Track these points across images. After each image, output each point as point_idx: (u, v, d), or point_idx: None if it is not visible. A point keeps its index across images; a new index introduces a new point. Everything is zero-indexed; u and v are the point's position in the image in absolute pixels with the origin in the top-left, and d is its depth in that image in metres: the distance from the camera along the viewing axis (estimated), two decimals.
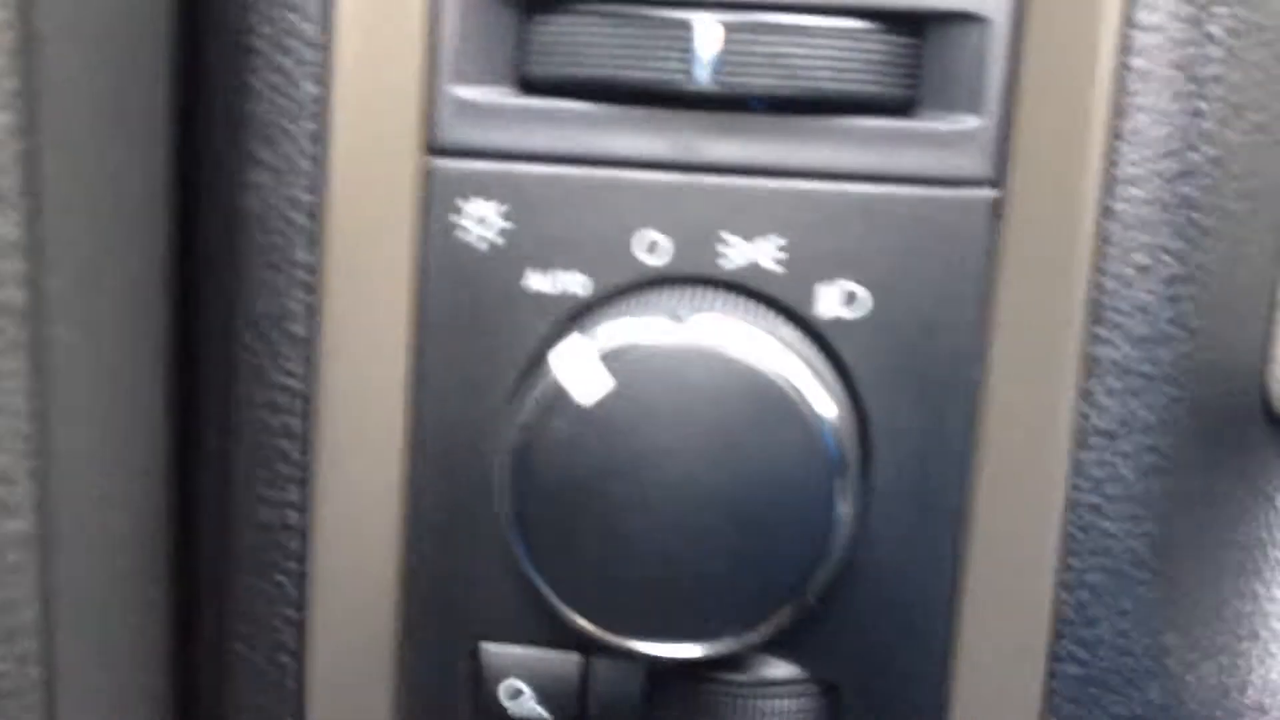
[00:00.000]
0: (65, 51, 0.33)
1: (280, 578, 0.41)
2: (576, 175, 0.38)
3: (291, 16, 0.38)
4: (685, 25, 0.37)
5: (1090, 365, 0.38)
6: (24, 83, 0.31)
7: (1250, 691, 0.42)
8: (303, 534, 0.41)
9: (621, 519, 0.36)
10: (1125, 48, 0.37)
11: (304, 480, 0.40)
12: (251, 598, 0.41)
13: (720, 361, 0.36)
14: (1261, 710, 0.41)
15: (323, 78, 0.38)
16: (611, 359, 0.36)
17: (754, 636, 0.37)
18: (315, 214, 0.39)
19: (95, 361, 0.36)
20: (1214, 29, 0.37)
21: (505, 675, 0.40)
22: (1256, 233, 0.40)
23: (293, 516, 0.40)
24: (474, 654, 0.41)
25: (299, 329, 0.39)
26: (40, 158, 0.32)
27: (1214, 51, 0.37)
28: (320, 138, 0.38)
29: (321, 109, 0.38)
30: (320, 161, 0.39)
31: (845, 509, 0.37)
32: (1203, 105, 0.37)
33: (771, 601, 0.37)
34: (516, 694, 0.40)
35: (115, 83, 0.36)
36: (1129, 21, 0.37)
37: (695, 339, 0.36)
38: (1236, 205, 0.39)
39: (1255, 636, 0.42)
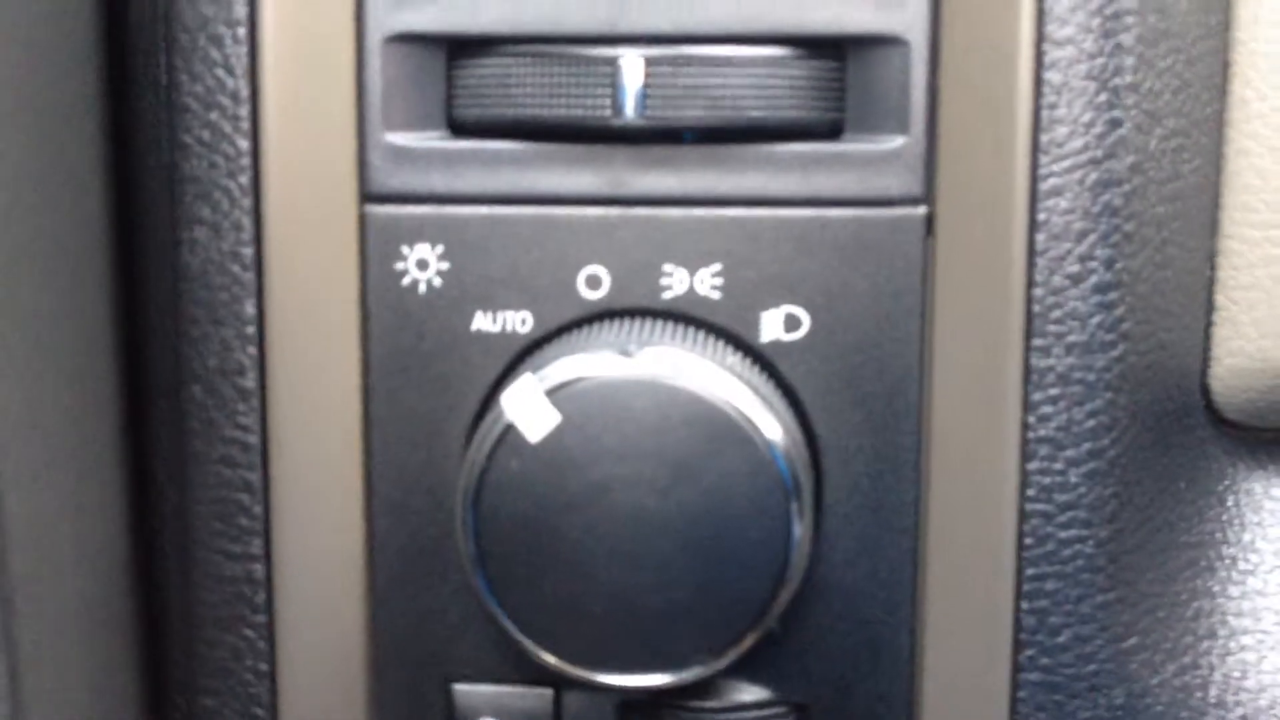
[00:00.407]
0: None
1: (248, 631, 0.41)
2: (513, 215, 0.39)
3: (219, 72, 0.39)
4: (609, 62, 0.37)
5: (1030, 375, 0.39)
6: None
7: (1213, 690, 0.42)
8: (267, 586, 0.41)
9: (581, 553, 0.37)
10: (1040, 62, 0.38)
11: (265, 533, 0.40)
12: (220, 653, 0.41)
13: (667, 392, 0.37)
14: (1224, 708, 0.42)
15: (254, 132, 0.39)
16: (558, 394, 0.36)
17: (721, 662, 0.38)
18: (257, 268, 0.39)
19: (44, 426, 0.36)
20: (1125, 39, 0.38)
21: (478, 715, 0.41)
22: (1184, 235, 0.41)
23: (256, 570, 0.41)
24: (447, 695, 0.41)
25: (249, 382, 0.40)
26: None
27: (1127, 61, 0.38)
28: (257, 192, 0.39)
29: (255, 163, 0.39)
30: (258, 215, 0.39)
31: (802, 530, 0.37)
32: (1119, 114, 0.38)
33: (736, 626, 0.37)
34: None
35: (47, 148, 0.36)
36: (1042, 36, 0.38)
37: (641, 371, 0.37)
38: (1161, 209, 0.40)
39: (1214, 635, 0.42)
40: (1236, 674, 0.42)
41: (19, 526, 0.35)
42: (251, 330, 0.40)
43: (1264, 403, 0.43)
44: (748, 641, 0.37)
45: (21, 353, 0.35)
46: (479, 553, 0.37)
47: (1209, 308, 0.42)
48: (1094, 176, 0.38)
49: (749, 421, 0.37)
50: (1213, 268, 0.42)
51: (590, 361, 0.37)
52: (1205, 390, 0.43)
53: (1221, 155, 0.42)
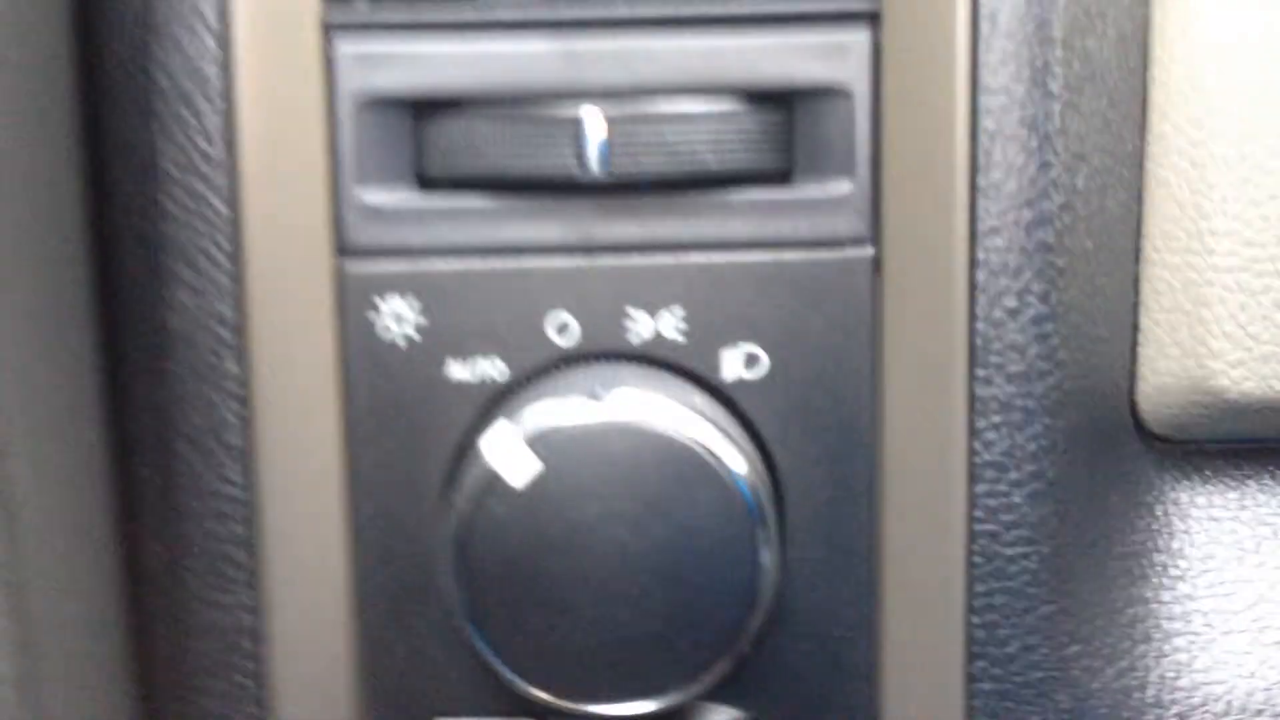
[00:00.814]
0: None
1: (239, 678, 0.42)
2: (484, 266, 0.41)
3: (197, 139, 0.40)
4: (573, 119, 0.39)
5: (975, 404, 0.42)
6: None
7: (1150, 690, 0.45)
8: (256, 634, 0.42)
9: (563, 591, 0.39)
10: (976, 110, 0.40)
11: (252, 583, 0.42)
12: (211, 701, 0.43)
13: (637, 434, 0.39)
14: (1161, 706, 0.45)
15: (232, 195, 0.40)
16: (536, 442, 0.38)
17: (697, 688, 0.40)
18: (239, 327, 0.41)
19: (40, 492, 0.37)
20: (1053, 86, 0.41)
21: None
22: (1111, 264, 0.43)
23: (245, 619, 0.42)
24: None
25: (234, 439, 0.41)
26: None
27: (1055, 107, 0.41)
28: (236, 252, 0.40)
29: (234, 224, 0.40)
30: (238, 276, 0.40)
31: (768, 558, 0.39)
32: (1050, 157, 0.41)
33: (710, 653, 0.39)
34: None
35: (27, 212, 0.37)
36: (977, 86, 0.40)
37: (612, 414, 0.39)
38: (1089, 243, 0.42)
39: (1149, 639, 0.45)
40: (1171, 674, 0.45)
41: (32, 595, 0.36)
42: (235, 389, 0.41)
43: (1187, 418, 0.46)
44: (722, 666, 0.40)
45: (10, 414, 0.36)
46: (468, 596, 0.39)
47: (1135, 331, 0.45)
48: (1028, 216, 0.41)
49: (715, 458, 0.39)
50: (1137, 293, 0.45)
51: (564, 407, 0.39)
52: (1133, 408, 0.45)
53: (1143, 187, 0.44)
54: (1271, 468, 0.46)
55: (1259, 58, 0.43)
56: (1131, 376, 0.45)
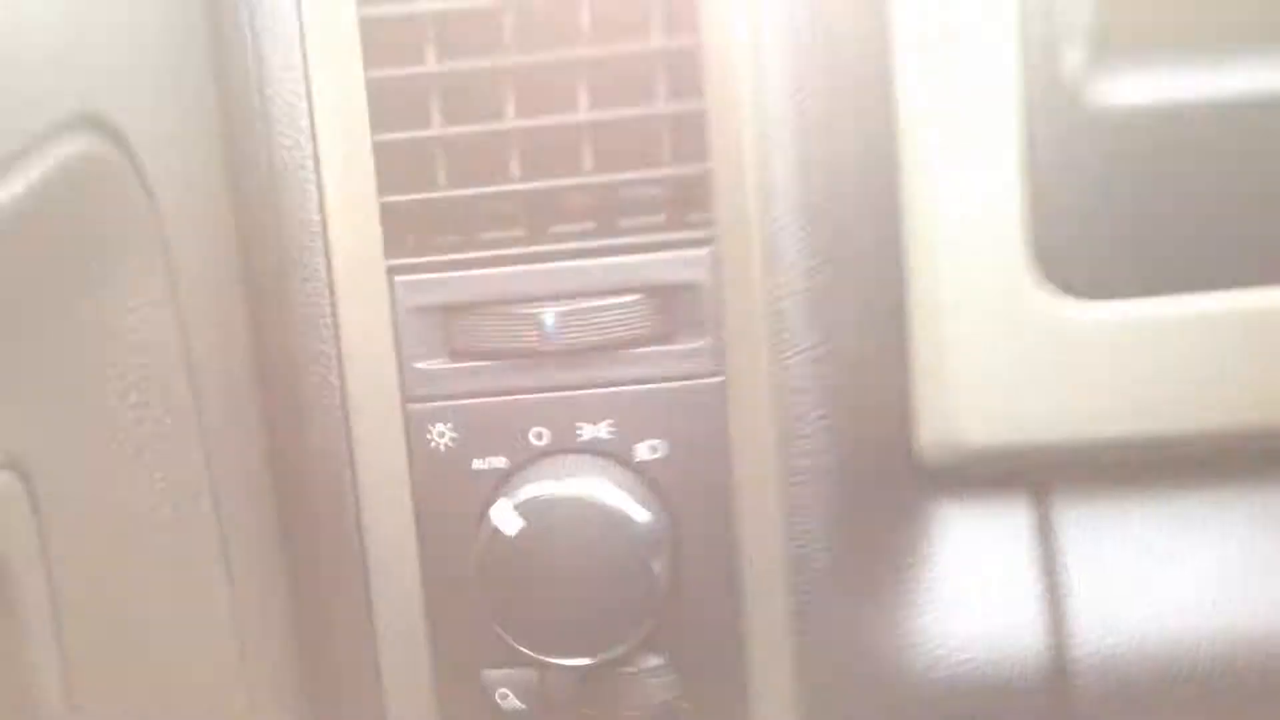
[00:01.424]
0: None
1: (362, 646, 0.71)
2: (493, 402, 0.68)
3: (323, 345, 0.68)
4: (541, 315, 0.66)
5: (788, 473, 0.68)
6: None
7: (919, 643, 0.71)
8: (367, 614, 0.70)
9: (545, 594, 0.66)
10: (775, 295, 0.67)
11: (364, 587, 0.70)
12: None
13: (586, 500, 0.65)
14: (922, 654, 0.71)
15: (340, 368, 0.67)
16: (523, 507, 0.66)
17: (624, 647, 0.67)
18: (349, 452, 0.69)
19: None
20: (823, 259, 0.67)
21: (497, 687, 0.70)
22: (881, 346, 0.70)
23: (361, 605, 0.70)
24: (477, 677, 0.70)
25: (349, 510, 0.69)
26: None
27: (827, 276, 0.67)
28: (344, 403, 0.68)
29: (343, 393, 0.68)
30: (346, 417, 0.69)
31: (660, 568, 0.66)
32: (828, 319, 0.67)
33: (632, 623, 0.67)
34: (505, 696, 0.70)
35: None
36: (774, 277, 0.67)
37: (568, 490, 0.66)
38: (867, 356, 0.68)
39: (915, 605, 0.72)
40: (925, 630, 0.71)
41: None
42: (350, 491, 0.69)
43: (954, 458, 0.71)
44: (640, 632, 0.67)
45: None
46: (485, 594, 0.67)
47: (908, 386, 0.71)
48: (816, 354, 0.67)
49: (633, 511, 0.66)
50: (908, 353, 0.67)
51: (542, 486, 0.66)
52: (906, 447, 0.71)
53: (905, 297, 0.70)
54: (1004, 489, 0.73)
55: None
56: (907, 431, 0.71)
